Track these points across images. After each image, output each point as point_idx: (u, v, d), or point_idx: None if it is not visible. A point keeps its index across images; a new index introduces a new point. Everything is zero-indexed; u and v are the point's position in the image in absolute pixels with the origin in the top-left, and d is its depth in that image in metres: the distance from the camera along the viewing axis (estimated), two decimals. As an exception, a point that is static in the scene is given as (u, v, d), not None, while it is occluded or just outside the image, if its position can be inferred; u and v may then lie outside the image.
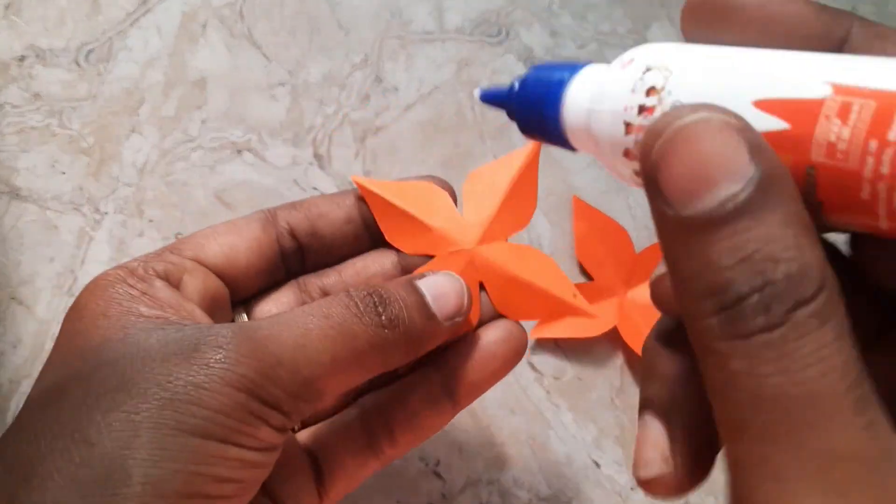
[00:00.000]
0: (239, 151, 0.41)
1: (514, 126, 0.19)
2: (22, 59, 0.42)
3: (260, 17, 0.43)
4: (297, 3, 0.43)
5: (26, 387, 0.35)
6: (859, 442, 0.11)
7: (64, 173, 0.40)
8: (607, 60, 0.17)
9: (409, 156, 0.42)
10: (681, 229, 0.13)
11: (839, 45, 0.15)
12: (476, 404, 0.38)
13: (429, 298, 0.23)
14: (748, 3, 0.15)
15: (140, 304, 0.22)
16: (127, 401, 0.18)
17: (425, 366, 0.27)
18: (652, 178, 0.13)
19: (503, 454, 0.37)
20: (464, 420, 0.37)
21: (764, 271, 0.12)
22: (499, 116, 0.43)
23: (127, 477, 0.18)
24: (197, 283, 0.24)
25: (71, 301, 0.22)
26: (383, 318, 0.22)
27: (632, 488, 0.37)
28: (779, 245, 0.12)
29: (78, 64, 0.42)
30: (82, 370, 0.20)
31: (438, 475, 0.36)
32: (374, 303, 0.22)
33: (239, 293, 0.26)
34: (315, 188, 0.41)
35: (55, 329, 0.36)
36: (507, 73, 0.43)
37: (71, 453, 0.18)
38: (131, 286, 0.22)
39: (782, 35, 0.14)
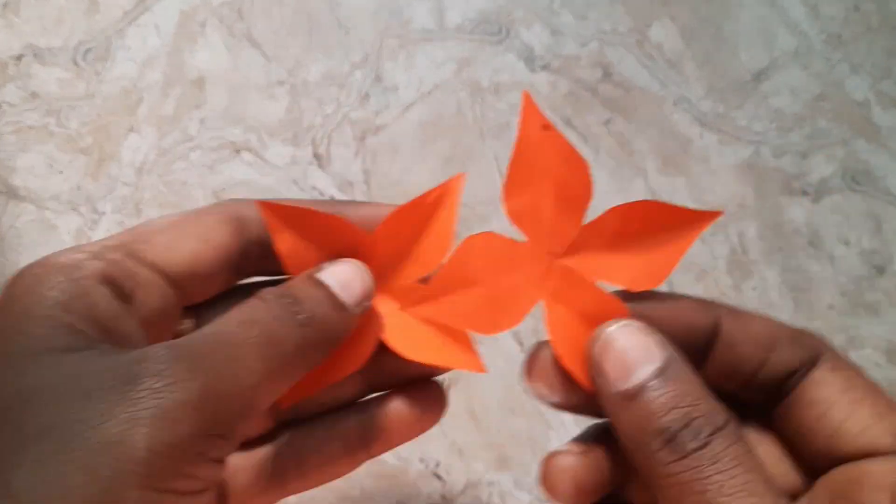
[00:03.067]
0: (238, 151, 0.41)
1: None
2: (19, 57, 0.41)
3: (259, 16, 0.43)
4: (297, 2, 0.43)
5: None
6: None
7: (62, 173, 0.40)
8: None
9: (408, 155, 0.41)
10: (623, 399, 0.19)
11: (715, 327, 0.22)
12: (476, 405, 0.38)
13: (336, 289, 0.22)
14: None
15: (73, 314, 0.19)
16: (55, 451, 0.16)
17: (345, 411, 0.26)
18: (598, 371, 0.20)
19: (503, 455, 0.37)
20: (464, 421, 0.37)
21: (688, 414, 0.19)
22: (499, 116, 0.43)
23: None
24: (149, 298, 0.22)
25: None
26: (300, 317, 0.21)
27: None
28: (693, 395, 0.19)
29: (76, 63, 0.41)
30: (2, 401, 0.18)
31: (439, 476, 0.36)
32: (290, 303, 0.21)
33: (192, 300, 0.24)
34: (314, 188, 0.41)
35: (53, 330, 0.36)
36: (508, 72, 0.43)
37: None
38: (68, 288, 0.19)
39: (671, 334, 0.21)
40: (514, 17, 0.44)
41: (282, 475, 0.25)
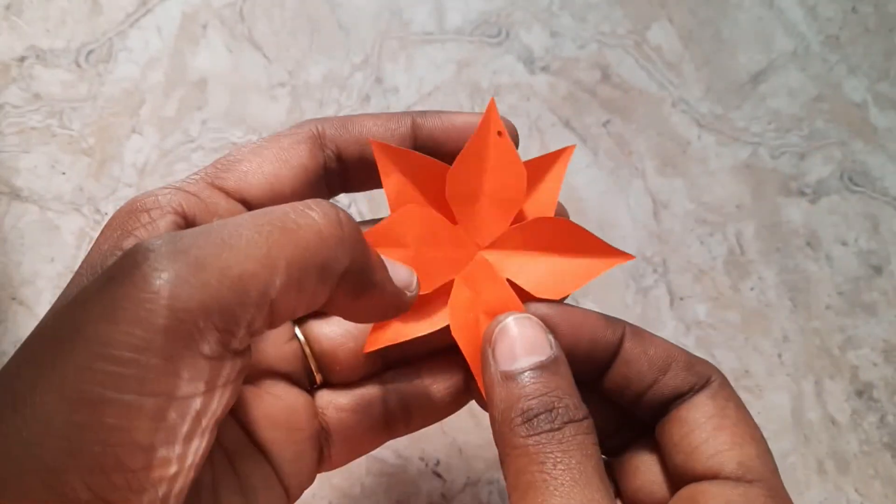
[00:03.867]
0: (239, 152, 0.41)
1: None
2: (22, 59, 0.42)
3: (260, 17, 0.43)
4: (298, 4, 0.44)
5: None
6: (600, 496, 0.20)
7: (64, 174, 0.40)
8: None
9: (409, 156, 0.42)
10: (503, 377, 0.22)
11: (618, 343, 0.24)
12: (475, 404, 0.38)
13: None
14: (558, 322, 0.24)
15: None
16: (45, 366, 0.16)
17: (450, 353, 0.26)
18: (490, 349, 0.23)
19: (503, 454, 0.37)
20: (464, 420, 0.37)
21: (552, 403, 0.21)
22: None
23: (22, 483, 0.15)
24: None
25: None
26: (341, 214, 0.19)
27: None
28: (562, 391, 0.22)
29: (78, 64, 0.42)
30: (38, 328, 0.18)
31: (438, 475, 0.36)
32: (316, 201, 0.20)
33: None
34: (315, 188, 0.41)
35: (56, 329, 0.36)
36: (508, 73, 0.43)
37: None
38: (144, 224, 0.20)
39: (573, 339, 0.24)
40: (514, 19, 0.44)
41: (387, 418, 0.26)
